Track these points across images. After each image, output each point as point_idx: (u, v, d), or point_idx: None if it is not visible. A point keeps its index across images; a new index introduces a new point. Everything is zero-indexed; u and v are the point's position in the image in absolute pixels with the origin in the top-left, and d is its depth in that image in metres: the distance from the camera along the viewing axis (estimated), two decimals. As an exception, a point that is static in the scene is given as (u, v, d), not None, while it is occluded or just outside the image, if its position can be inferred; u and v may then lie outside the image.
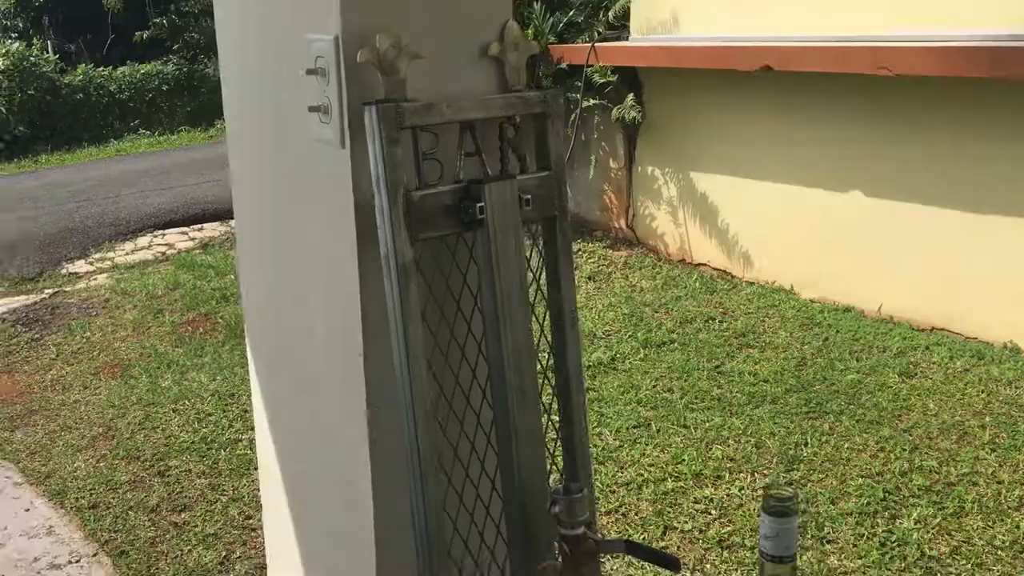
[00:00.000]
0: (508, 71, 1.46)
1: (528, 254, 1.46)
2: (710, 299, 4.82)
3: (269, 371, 1.83)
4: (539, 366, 1.50)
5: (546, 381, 1.53)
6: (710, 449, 3.24)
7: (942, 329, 4.30)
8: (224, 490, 3.15)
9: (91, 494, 3.16)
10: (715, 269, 5.33)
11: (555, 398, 1.54)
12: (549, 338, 1.53)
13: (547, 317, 1.53)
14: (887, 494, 2.91)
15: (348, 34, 1.30)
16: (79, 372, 4.26)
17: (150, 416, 3.73)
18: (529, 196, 1.44)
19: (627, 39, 5.60)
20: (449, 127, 1.39)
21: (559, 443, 1.58)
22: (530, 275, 1.46)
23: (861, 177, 4.52)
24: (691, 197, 5.38)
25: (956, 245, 4.21)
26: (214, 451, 3.42)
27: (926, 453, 3.15)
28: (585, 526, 1.33)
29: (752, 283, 5.05)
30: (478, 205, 1.35)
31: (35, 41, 14.61)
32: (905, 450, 3.17)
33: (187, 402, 3.84)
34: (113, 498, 3.13)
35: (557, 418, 1.57)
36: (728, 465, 3.13)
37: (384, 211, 1.27)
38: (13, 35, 15.32)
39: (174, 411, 3.77)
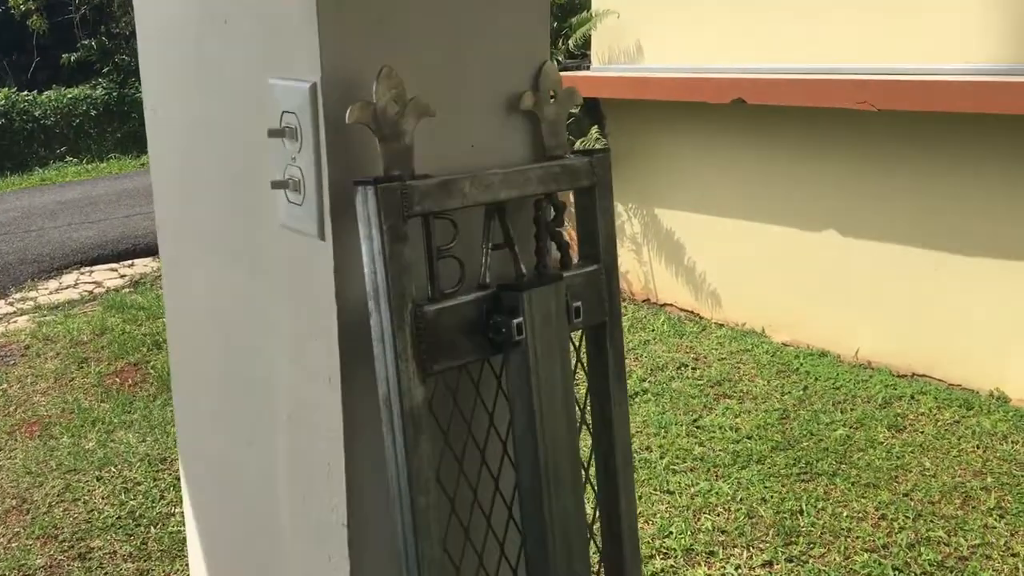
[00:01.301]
0: (545, 130, 1.07)
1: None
2: (680, 343, 4.56)
3: (213, 540, 1.41)
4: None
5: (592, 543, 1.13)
6: (699, 519, 2.95)
7: (923, 375, 4.09)
8: (154, 576, 2.77)
9: (0, 582, 2.77)
10: (682, 310, 5.07)
11: (601, 568, 1.16)
12: (595, 488, 1.13)
13: (592, 461, 1.13)
14: (897, 572, 2.65)
15: (331, 81, 0.90)
16: (-9, 432, 3.83)
17: (71, 486, 3.32)
18: (578, 303, 1.05)
19: (588, 68, 5.35)
20: (471, 211, 1.01)
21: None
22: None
23: (836, 215, 4.31)
24: (656, 234, 5.13)
25: (936, 287, 4.00)
26: (143, 528, 3.03)
27: (931, 521, 2.90)
28: None
29: (722, 325, 4.80)
30: (515, 322, 0.96)
31: (-45, 63, 13.97)
32: (909, 518, 2.92)
33: (113, 468, 3.44)
34: (25, 589, 2.74)
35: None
36: (720, 539, 2.85)
37: (385, 335, 0.89)
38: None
39: (98, 479, 3.37)
